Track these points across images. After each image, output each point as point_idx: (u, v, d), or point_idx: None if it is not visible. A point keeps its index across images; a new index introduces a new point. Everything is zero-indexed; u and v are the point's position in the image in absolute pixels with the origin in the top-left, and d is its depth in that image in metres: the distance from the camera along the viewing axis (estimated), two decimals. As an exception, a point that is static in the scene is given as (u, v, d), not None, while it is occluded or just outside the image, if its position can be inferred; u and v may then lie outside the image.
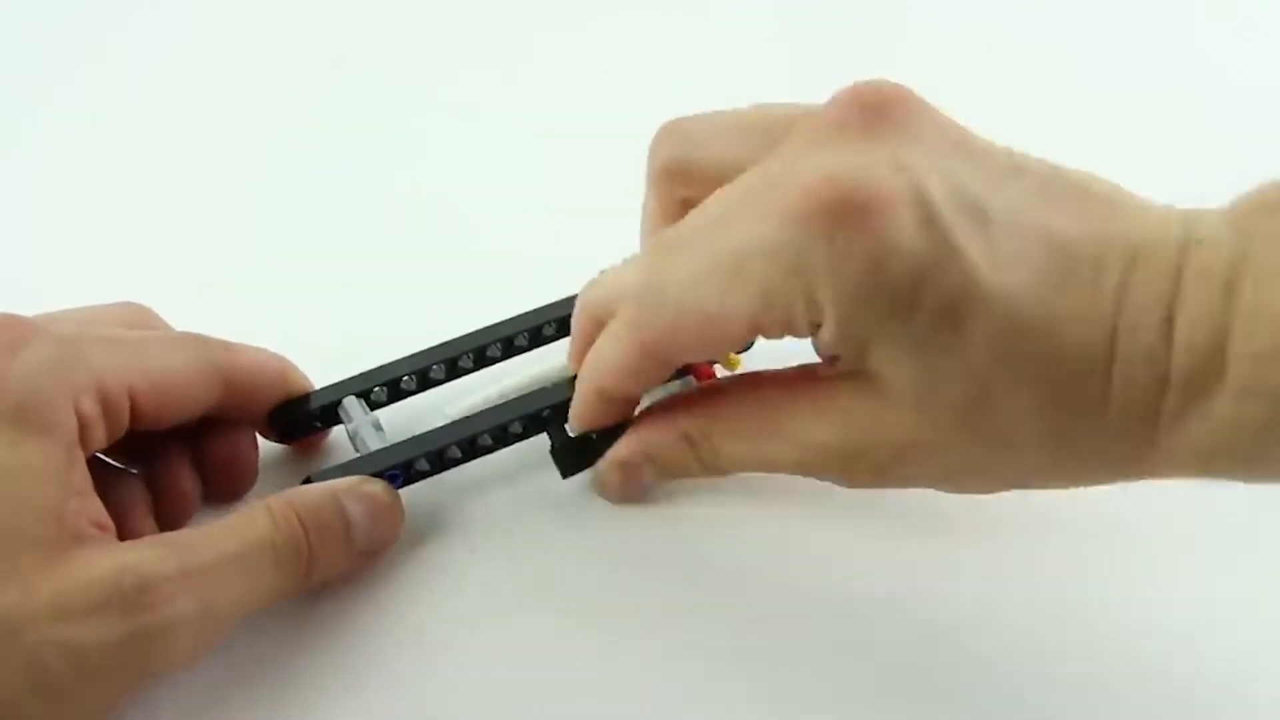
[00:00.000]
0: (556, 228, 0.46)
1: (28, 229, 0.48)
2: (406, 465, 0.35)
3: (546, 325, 0.39)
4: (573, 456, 0.36)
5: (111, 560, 0.29)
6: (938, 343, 0.28)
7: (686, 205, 0.33)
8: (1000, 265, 0.28)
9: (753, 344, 0.37)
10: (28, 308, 0.33)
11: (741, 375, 0.35)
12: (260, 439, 0.38)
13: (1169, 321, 0.27)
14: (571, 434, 0.36)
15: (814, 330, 0.30)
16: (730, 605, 0.34)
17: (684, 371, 0.37)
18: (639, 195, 0.37)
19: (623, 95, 0.54)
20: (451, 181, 0.50)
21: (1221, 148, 0.49)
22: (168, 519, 0.35)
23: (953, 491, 0.32)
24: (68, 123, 0.54)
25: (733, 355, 0.38)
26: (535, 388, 0.38)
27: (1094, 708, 0.32)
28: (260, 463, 0.37)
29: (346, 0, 0.61)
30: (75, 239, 0.48)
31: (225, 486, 0.36)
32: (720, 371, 0.38)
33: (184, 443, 0.36)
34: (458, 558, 0.35)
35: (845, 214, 0.28)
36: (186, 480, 0.35)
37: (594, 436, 0.36)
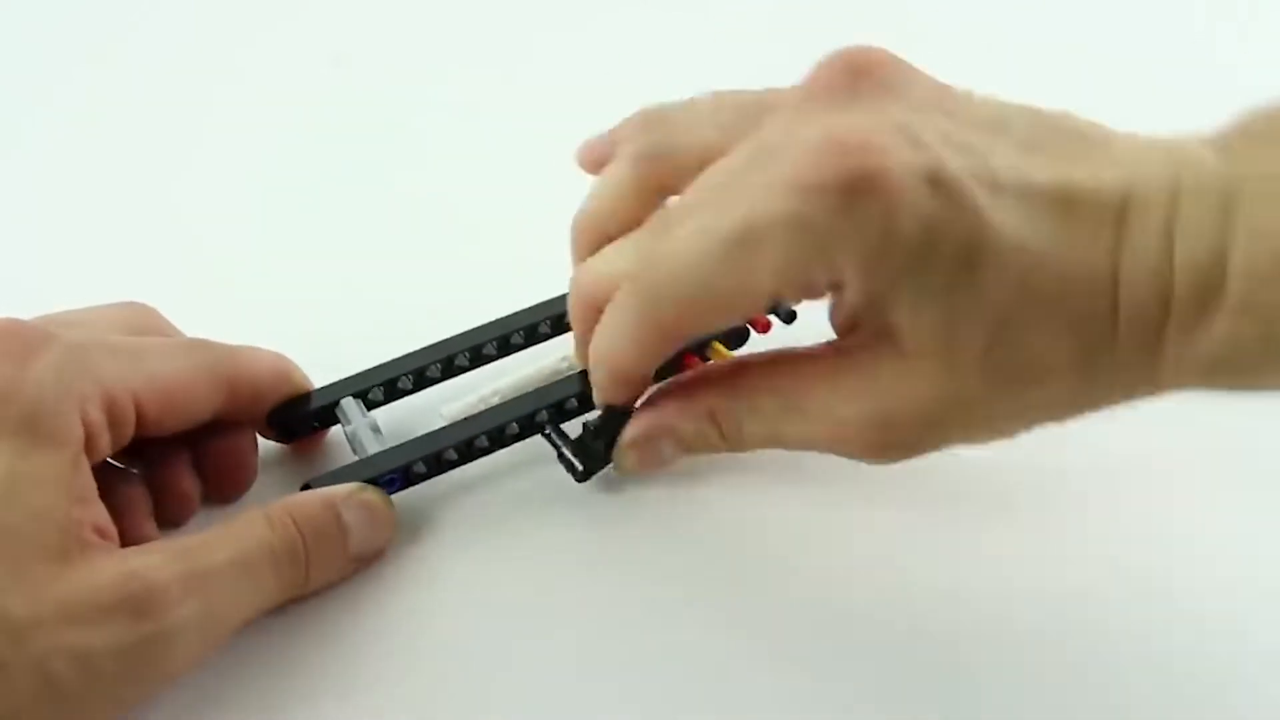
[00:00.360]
0: (556, 228, 0.46)
1: (28, 229, 0.48)
2: (404, 469, 0.35)
3: (542, 323, 0.39)
4: (591, 456, 0.36)
5: (117, 566, 0.29)
6: (956, 287, 0.29)
7: (663, 193, 0.34)
8: (1006, 213, 0.29)
9: (747, 337, 0.38)
10: (28, 308, 0.33)
11: (765, 353, 0.35)
12: (260, 439, 0.38)
13: (1169, 240, 0.28)
14: (599, 409, 0.35)
15: (834, 291, 0.30)
16: (728, 605, 0.34)
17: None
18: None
19: (623, 95, 0.53)
20: (451, 181, 0.50)
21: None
22: (168, 519, 0.35)
23: (979, 444, 0.32)
24: (68, 123, 0.54)
25: (719, 346, 0.38)
26: (531, 387, 0.38)
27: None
28: (259, 462, 0.37)
29: (346, 0, 0.61)
30: (75, 239, 0.48)
31: (225, 486, 0.36)
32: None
33: (184, 443, 0.36)
34: (450, 557, 0.35)
35: (859, 183, 0.28)
36: (186, 480, 0.36)
37: (600, 428, 0.35)
